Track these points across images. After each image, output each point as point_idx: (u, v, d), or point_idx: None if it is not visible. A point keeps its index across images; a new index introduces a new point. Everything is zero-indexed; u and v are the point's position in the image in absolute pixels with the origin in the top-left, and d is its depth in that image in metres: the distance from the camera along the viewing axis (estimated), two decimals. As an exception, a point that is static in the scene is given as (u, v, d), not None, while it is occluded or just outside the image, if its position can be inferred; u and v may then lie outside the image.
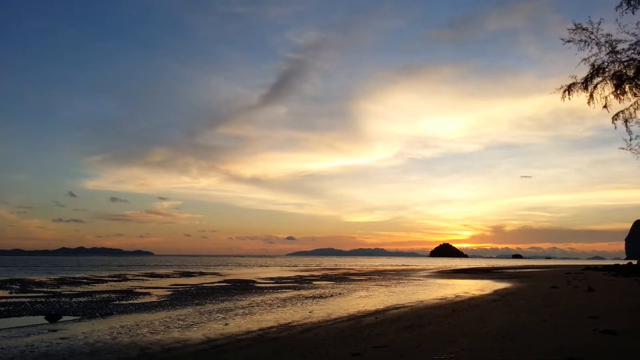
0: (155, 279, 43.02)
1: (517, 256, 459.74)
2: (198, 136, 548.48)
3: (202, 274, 53.17)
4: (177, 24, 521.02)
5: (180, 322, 15.07)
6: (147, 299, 23.20)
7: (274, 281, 39.62)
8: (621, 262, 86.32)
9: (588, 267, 69.33)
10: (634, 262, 73.19)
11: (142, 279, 41.80)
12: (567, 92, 23.67)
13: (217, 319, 15.91)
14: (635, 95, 22.72)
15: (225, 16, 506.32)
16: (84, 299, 23.03)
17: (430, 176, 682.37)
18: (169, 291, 28.11)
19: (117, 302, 21.91)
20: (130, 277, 44.46)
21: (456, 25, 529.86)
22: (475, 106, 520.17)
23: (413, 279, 43.98)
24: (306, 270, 66.66)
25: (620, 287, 25.16)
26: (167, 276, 47.47)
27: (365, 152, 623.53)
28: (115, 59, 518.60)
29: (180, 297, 23.98)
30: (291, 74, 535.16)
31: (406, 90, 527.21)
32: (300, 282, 39.02)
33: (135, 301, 22.24)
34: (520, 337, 10.05)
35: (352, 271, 65.69)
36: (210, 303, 21.11)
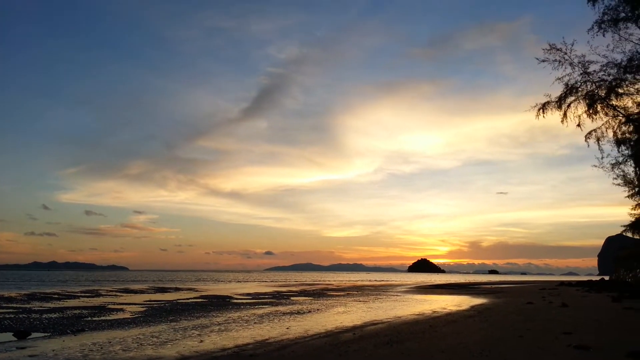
0: (129, 294, 42.06)
1: (493, 272, 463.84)
2: (177, 149, 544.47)
3: (177, 289, 52.25)
4: (159, 36, 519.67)
5: (154, 339, 14.72)
6: (120, 315, 22.64)
7: (251, 297, 39.15)
8: (594, 278, 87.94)
9: (562, 283, 70.29)
10: (606, 278, 74.50)
11: (115, 295, 40.82)
12: (541, 111, 24.23)
13: (192, 335, 15.59)
14: (606, 114, 23.37)
15: (207, 30, 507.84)
16: (55, 315, 22.38)
17: (409, 192, 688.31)
18: (143, 307, 27.51)
19: (89, 318, 21.33)
20: (103, 293, 43.39)
21: (435, 43, 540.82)
22: (453, 123, 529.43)
23: (391, 295, 43.95)
24: (284, 286, 66.09)
25: (593, 302, 25.54)
26: (142, 292, 46.48)
27: (345, 167, 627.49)
28: (95, 70, 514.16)
29: (155, 314, 23.49)
30: (272, 88, 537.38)
31: (386, 106, 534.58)
32: (277, 297, 38.64)
33: (108, 317, 21.68)
34: (496, 353, 10.09)
35: (330, 287, 65.38)
36: (185, 319, 20.71)
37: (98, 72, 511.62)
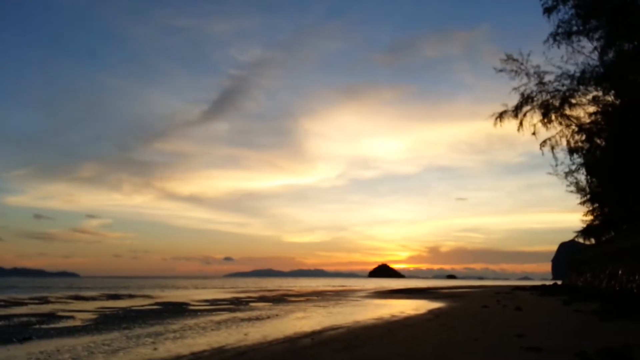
0: (80, 301, 40.59)
1: (451, 276, 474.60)
2: (132, 151, 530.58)
3: (131, 296, 50.59)
4: (114, 34, 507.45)
5: (106, 347, 14.27)
6: (70, 323, 21.80)
7: (208, 303, 38.39)
8: (547, 283, 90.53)
9: (517, 287, 72.14)
10: (559, 282, 77.00)
11: (65, 302, 39.31)
12: (499, 119, 24.97)
13: (146, 343, 15.15)
14: (560, 124, 24.28)
15: (165, 28, 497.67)
16: (1, 323, 21.41)
17: (370, 197, 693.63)
18: (94, 314, 26.55)
19: (37, 326, 20.47)
20: (52, 300, 41.70)
21: (396, 50, 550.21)
22: (414, 129, 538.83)
23: (351, 300, 44.07)
24: (243, 292, 65.26)
25: (545, 306, 26.29)
26: (93, 299, 44.84)
27: (307, 171, 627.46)
28: (46, 68, 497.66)
29: (107, 321, 22.70)
30: (233, 91, 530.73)
31: (348, 110, 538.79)
32: (236, 304, 38.06)
33: (58, 325, 20.86)
34: (452, 356, 10.19)
35: (290, 292, 65.03)
36: (139, 327, 20.08)
37: (49, 70, 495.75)
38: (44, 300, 40.63)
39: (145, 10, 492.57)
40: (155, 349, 13.99)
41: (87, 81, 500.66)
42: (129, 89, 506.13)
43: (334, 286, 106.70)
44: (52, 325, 20.67)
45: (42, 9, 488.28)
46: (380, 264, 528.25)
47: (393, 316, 24.10)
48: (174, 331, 18.42)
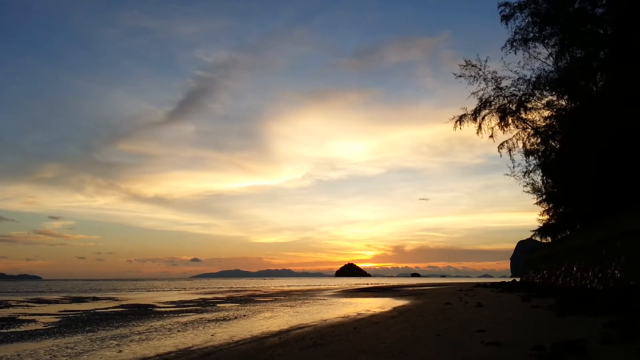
0: (42, 305, 39.53)
1: (415, 275, 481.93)
2: (96, 152, 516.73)
3: (96, 299, 49.59)
4: (78, 34, 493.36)
5: (69, 351, 14.10)
6: (32, 327, 21.28)
7: (175, 305, 38.01)
8: (507, 280, 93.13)
9: (478, 285, 73.96)
10: (517, 279, 79.25)
11: (27, 305, 38.23)
12: (458, 123, 25.74)
13: (111, 346, 15.02)
14: (517, 127, 25.23)
15: (131, 30, 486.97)
16: (-44, 329, 20.67)
17: (336, 197, 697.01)
18: (57, 318, 25.98)
19: (-4, 331, 19.94)
20: (13, 304, 40.45)
21: (361, 55, 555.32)
22: (378, 131, 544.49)
23: (318, 299, 44.36)
24: (210, 293, 64.71)
25: (505, 302, 27.10)
26: (56, 302, 43.82)
27: (274, 172, 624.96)
28: (9, 69, 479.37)
29: (70, 324, 22.28)
30: (200, 92, 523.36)
31: (314, 113, 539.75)
32: (203, 305, 37.83)
33: (18, 329, 20.35)
34: (415, 352, 10.53)
35: (258, 292, 64.87)
36: (103, 329, 19.82)
37: (13, 70, 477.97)
38: (4, 304, 39.33)
39: (111, 12, 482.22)
40: (120, 351, 13.91)
41: (51, 82, 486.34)
42: (93, 89, 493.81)
43: (301, 286, 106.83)
44: (12, 330, 20.16)
45: (7, 10, 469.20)
46: (346, 263, 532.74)
47: (359, 314, 24.47)
48: (140, 333, 18.28)
